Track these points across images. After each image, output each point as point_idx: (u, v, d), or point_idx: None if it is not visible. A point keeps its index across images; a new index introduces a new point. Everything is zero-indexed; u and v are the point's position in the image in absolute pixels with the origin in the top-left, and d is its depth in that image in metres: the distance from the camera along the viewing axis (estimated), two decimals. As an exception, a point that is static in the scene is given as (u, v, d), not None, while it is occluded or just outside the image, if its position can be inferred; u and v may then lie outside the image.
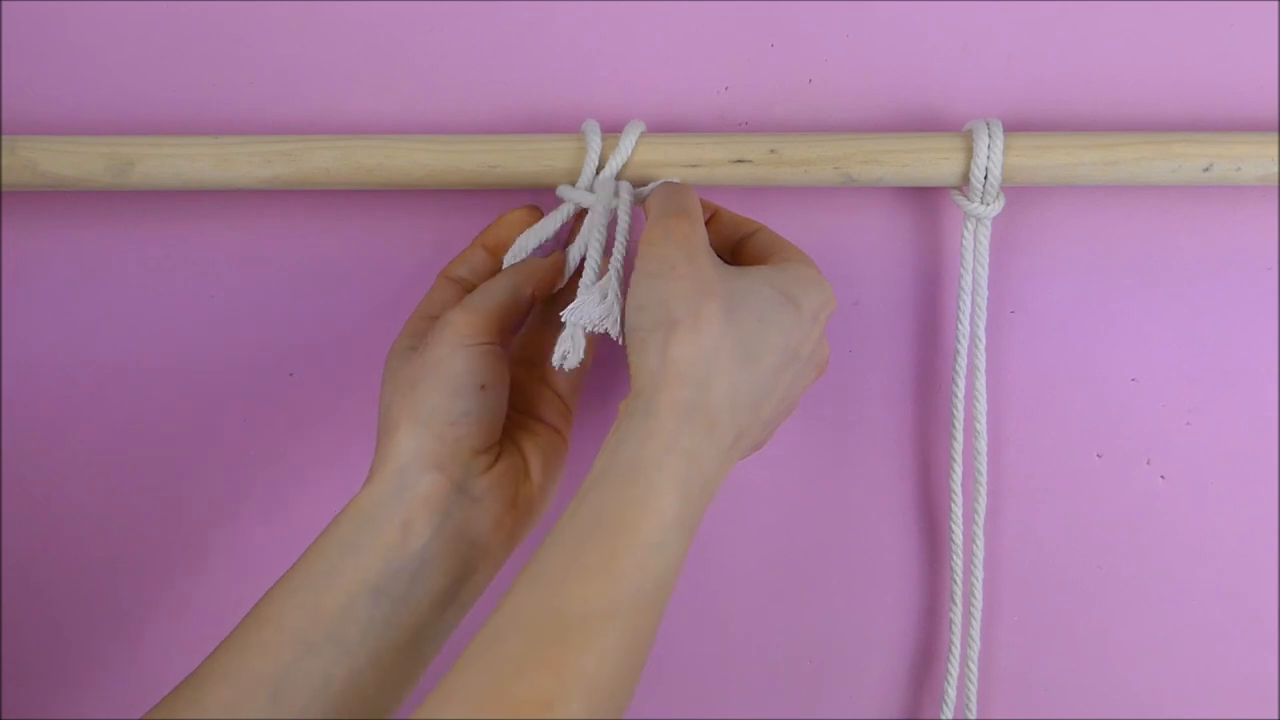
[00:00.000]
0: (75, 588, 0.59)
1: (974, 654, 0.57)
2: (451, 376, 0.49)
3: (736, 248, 0.52)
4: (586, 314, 0.48)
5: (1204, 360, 0.57)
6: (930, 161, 0.52)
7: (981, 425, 0.56)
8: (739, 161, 0.53)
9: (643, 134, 0.53)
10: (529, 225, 0.53)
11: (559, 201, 0.54)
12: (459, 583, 0.49)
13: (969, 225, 0.54)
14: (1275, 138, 0.52)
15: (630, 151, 0.52)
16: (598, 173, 0.52)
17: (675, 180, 0.52)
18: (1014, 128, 0.53)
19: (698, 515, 0.43)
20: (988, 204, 0.53)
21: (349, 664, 0.46)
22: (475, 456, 0.49)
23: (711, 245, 0.49)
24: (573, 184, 0.53)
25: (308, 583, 0.48)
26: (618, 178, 0.53)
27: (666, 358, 0.43)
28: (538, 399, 0.54)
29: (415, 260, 0.58)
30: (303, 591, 0.48)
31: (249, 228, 0.58)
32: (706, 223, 0.52)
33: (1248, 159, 0.52)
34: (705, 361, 0.43)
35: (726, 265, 0.47)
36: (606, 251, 0.51)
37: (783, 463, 0.58)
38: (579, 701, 0.38)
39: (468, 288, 0.53)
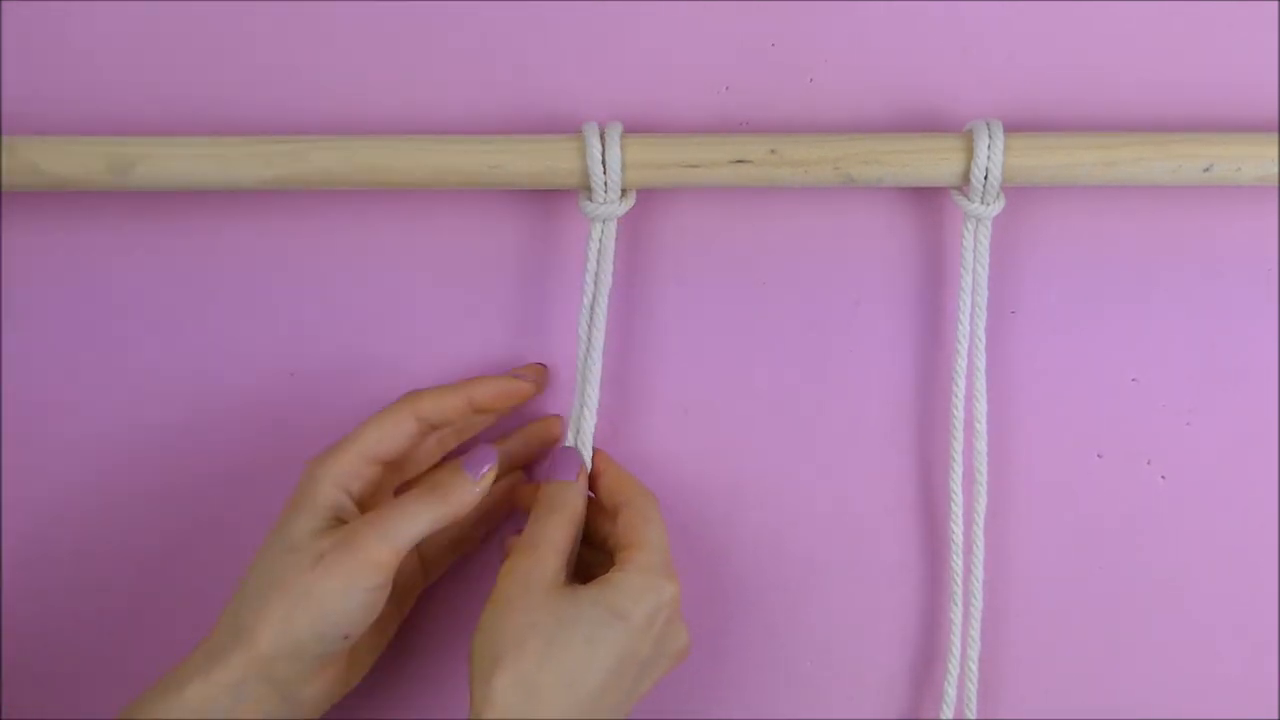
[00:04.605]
0: (76, 587, 0.59)
1: (974, 654, 0.57)
2: (323, 622, 0.48)
3: (612, 513, 0.53)
4: None
5: (1204, 360, 0.57)
6: (930, 161, 0.53)
7: (981, 425, 0.56)
8: (739, 161, 0.53)
9: (644, 135, 0.53)
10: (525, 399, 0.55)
11: (558, 207, 0.54)
12: None
13: (969, 225, 0.54)
14: (1275, 138, 0.52)
15: (619, 159, 0.52)
16: (604, 173, 0.53)
17: (565, 478, 0.53)
18: (1014, 128, 0.53)
19: None
20: (988, 204, 0.53)
21: None
22: (313, 674, 0.50)
23: (596, 503, 0.54)
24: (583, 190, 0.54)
25: None
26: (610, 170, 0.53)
27: (490, 687, 0.47)
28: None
29: (416, 260, 0.58)
30: None
31: (250, 228, 0.58)
32: (593, 479, 0.54)
33: (1248, 159, 0.52)
34: (525, 692, 0.47)
35: (563, 590, 0.49)
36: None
37: (783, 463, 0.58)
38: None
39: (424, 430, 0.53)
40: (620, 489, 0.53)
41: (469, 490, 0.51)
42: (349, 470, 0.51)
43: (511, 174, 0.53)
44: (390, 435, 0.52)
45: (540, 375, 0.57)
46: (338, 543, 0.49)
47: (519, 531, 0.53)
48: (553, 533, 0.51)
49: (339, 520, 0.51)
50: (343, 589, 0.48)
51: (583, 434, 0.55)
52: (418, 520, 0.49)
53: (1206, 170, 0.52)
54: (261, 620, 0.48)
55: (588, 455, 0.55)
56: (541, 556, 0.49)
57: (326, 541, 0.49)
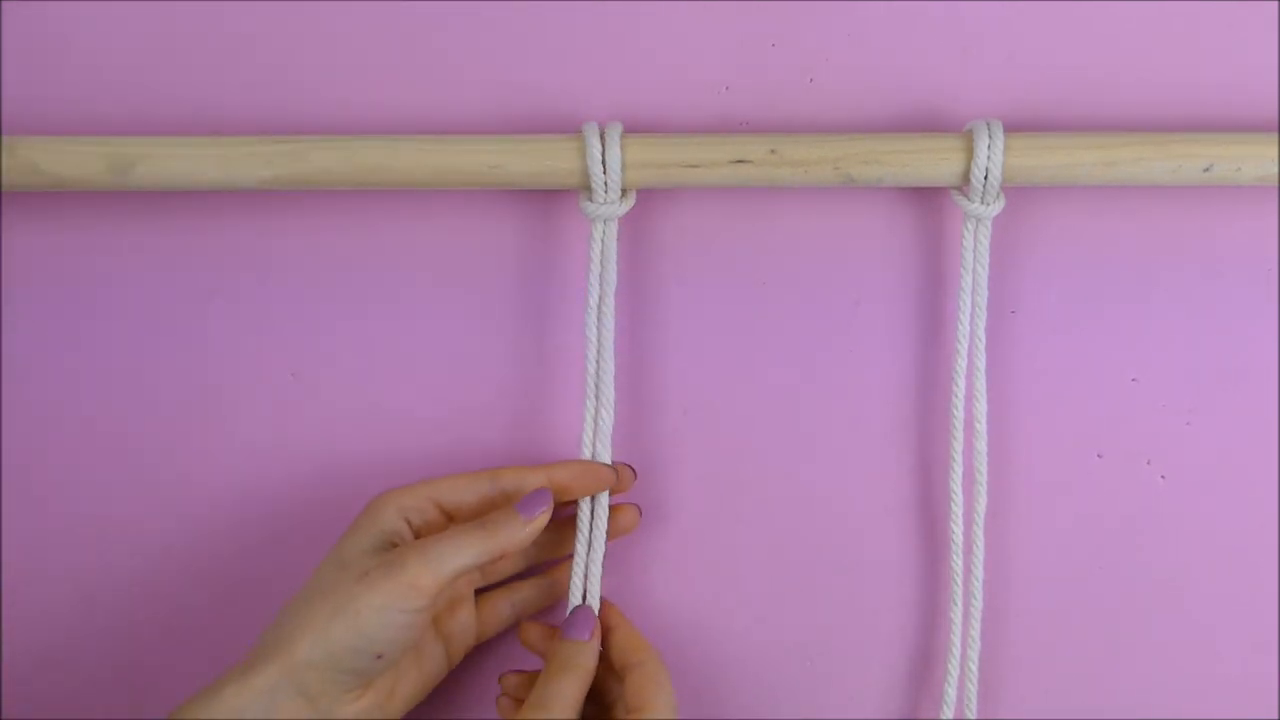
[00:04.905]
0: (75, 587, 0.59)
1: (974, 654, 0.57)
2: (359, 635, 0.49)
3: (620, 672, 0.54)
4: None
5: (1204, 360, 0.58)
6: (930, 161, 0.53)
7: (981, 425, 0.56)
8: (739, 161, 0.53)
9: (644, 135, 0.53)
10: (607, 486, 0.55)
11: (558, 207, 0.54)
12: None
13: (969, 225, 0.54)
14: (1275, 138, 0.52)
15: (619, 163, 0.52)
16: (604, 174, 0.53)
17: (579, 638, 0.53)
18: (1014, 128, 0.53)
19: None
20: (988, 204, 0.53)
21: None
22: (347, 693, 0.50)
23: (606, 659, 0.54)
24: (583, 189, 0.54)
25: None
26: (609, 171, 0.53)
27: None
28: (425, 646, 0.55)
29: (416, 260, 0.58)
30: None
31: (249, 228, 0.58)
32: (602, 634, 0.55)
33: (1248, 159, 0.52)
34: None
35: None
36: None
37: (783, 463, 0.58)
38: None
39: (499, 499, 0.54)
40: (632, 650, 0.54)
41: (519, 529, 0.51)
42: (414, 504, 0.53)
43: (511, 174, 0.53)
44: (462, 487, 0.54)
45: (624, 474, 0.57)
46: (384, 562, 0.50)
47: (514, 671, 0.55)
48: (566, 692, 0.51)
49: (392, 545, 0.52)
50: (381, 605, 0.49)
51: (600, 433, 0.55)
52: (463, 551, 0.50)
53: (1206, 170, 0.52)
54: (301, 628, 0.49)
55: (604, 505, 0.55)
56: (554, 718, 0.50)
57: (374, 560, 0.50)
